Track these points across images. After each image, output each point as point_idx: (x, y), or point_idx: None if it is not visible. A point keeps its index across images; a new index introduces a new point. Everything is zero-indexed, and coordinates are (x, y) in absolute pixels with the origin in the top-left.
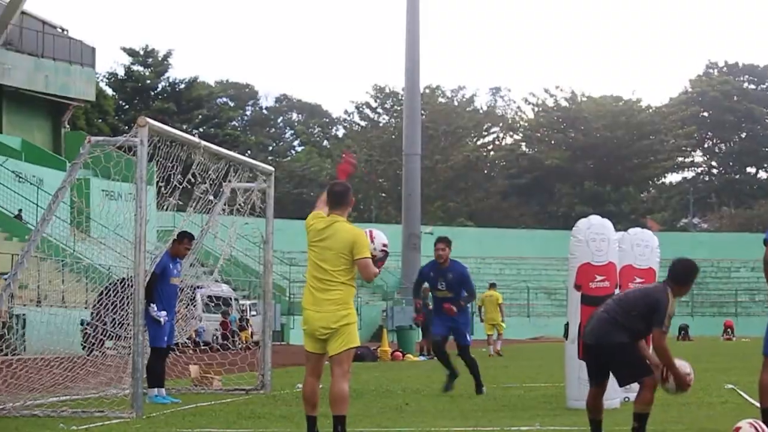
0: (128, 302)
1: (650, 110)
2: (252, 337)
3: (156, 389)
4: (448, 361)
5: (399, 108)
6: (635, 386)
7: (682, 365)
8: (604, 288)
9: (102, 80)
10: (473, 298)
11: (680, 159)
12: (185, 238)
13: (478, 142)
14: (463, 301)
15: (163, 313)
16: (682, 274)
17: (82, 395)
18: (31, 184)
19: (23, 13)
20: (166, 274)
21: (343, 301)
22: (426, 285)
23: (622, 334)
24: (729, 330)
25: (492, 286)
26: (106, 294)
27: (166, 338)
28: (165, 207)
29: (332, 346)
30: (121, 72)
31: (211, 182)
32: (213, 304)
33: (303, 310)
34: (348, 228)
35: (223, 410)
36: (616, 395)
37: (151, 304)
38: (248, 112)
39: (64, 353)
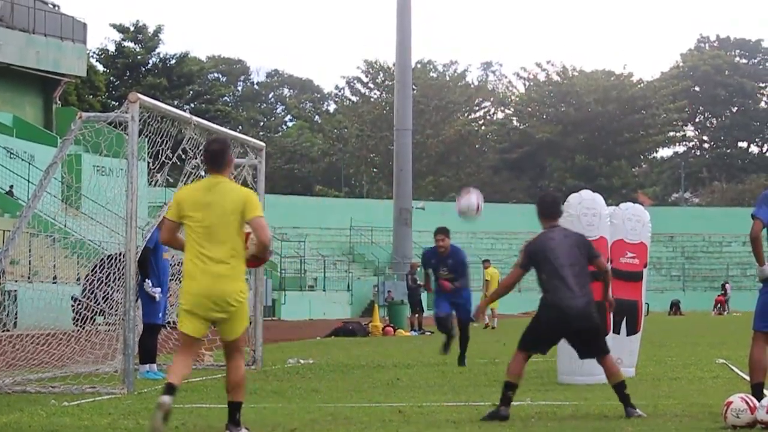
0: (119, 278)
1: (642, 84)
2: None
3: (147, 365)
4: (451, 338)
5: (390, 83)
6: (627, 361)
7: None
8: None
9: (93, 56)
10: (468, 280)
11: (672, 133)
12: None
13: (469, 117)
14: (459, 283)
15: (158, 289)
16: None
17: (74, 371)
18: (22, 160)
19: None
20: (159, 248)
21: (239, 274)
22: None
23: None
24: (719, 305)
25: (488, 262)
26: (93, 271)
27: (161, 314)
28: (153, 183)
29: (232, 329)
30: (111, 48)
31: (202, 158)
32: None
33: (187, 291)
34: (235, 187)
35: (214, 386)
36: None
37: (147, 280)
38: (239, 88)
39: (56, 329)
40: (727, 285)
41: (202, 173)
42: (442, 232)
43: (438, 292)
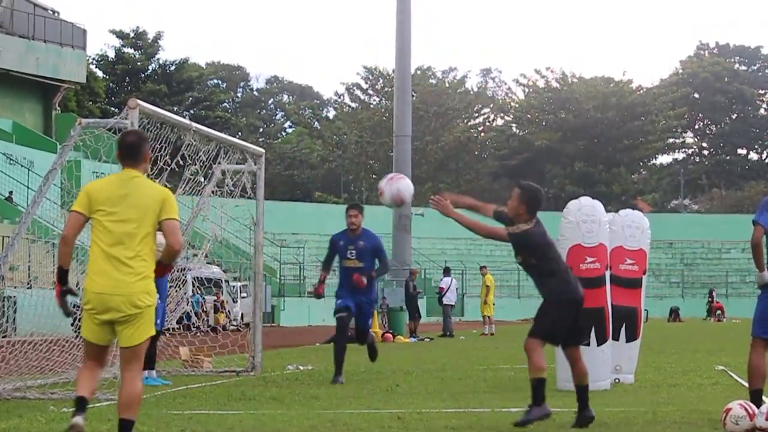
0: None
1: (641, 91)
2: (239, 319)
3: (146, 371)
4: (342, 354)
5: (390, 89)
6: (626, 368)
7: None
8: (595, 269)
9: (92, 62)
10: (386, 270)
11: (671, 140)
12: None
13: (469, 124)
14: (375, 273)
15: (156, 295)
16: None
17: (73, 377)
18: (21, 166)
19: None
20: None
21: (147, 274)
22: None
23: None
24: (719, 311)
25: (485, 268)
26: None
27: (158, 321)
28: None
29: (131, 335)
30: (111, 54)
31: (201, 164)
32: (204, 287)
33: (88, 289)
34: (152, 184)
35: (213, 392)
36: (607, 377)
37: None
38: (239, 94)
39: (55, 335)
40: (714, 292)
41: (201, 179)
42: (356, 208)
43: (342, 284)
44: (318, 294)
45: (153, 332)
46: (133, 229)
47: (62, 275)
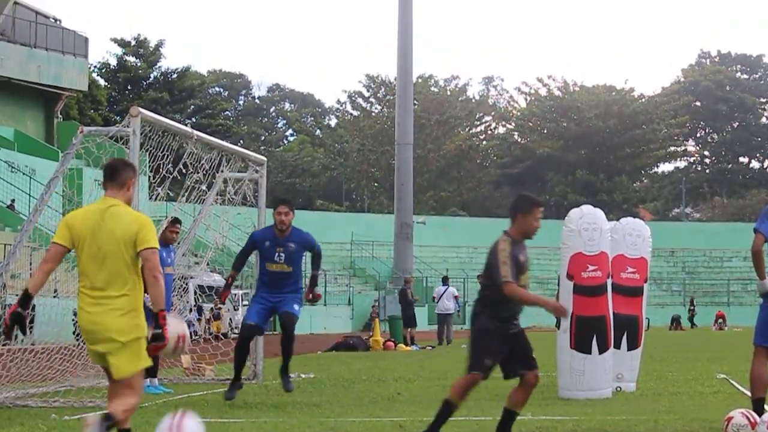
0: None
1: (643, 100)
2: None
3: (148, 379)
4: (242, 364)
5: (391, 97)
6: (627, 376)
7: None
8: (597, 278)
9: (94, 70)
10: (319, 265)
11: (673, 148)
12: (170, 222)
13: (471, 132)
14: (315, 272)
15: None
16: (511, 206)
17: (75, 385)
18: (23, 174)
19: (16, 3)
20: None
21: (133, 307)
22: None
23: (477, 316)
24: (721, 320)
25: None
26: None
27: None
28: (154, 197)
29: (118, 366)
30: (113, 62)
31: (203, 172)
32: (205, 294)
33: (78, 324)
34: (130, 212)
35: (215, 400)
36: (608, 385)
37: (145, 294)
38: (241, 102)
39: (57, 343)
40: (694, 300)
41: (204, 187)
42: (286, 203)
43: (262, 286)
44: (222, 299)
45: (144, 364)
46: (111, 263)
47: (25, 299)
